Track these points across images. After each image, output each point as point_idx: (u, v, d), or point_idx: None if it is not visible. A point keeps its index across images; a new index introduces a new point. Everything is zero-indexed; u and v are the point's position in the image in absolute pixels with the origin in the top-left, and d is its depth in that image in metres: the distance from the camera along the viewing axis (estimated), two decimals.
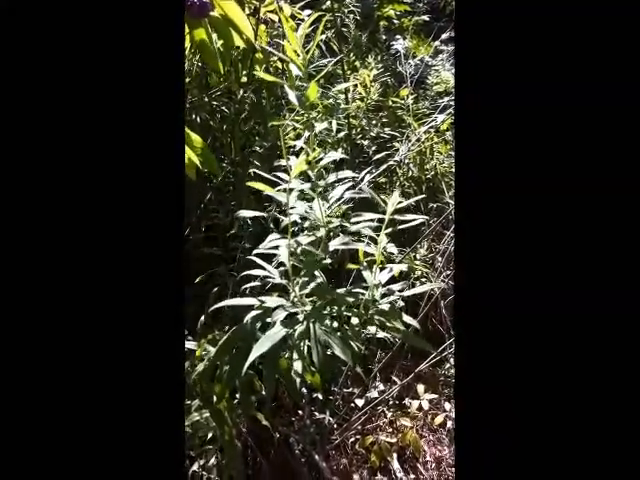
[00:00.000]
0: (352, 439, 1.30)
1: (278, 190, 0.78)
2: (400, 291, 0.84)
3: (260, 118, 1.38)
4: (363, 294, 0.82)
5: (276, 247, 0.79)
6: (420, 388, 1.38)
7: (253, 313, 0.73)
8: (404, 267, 0.88)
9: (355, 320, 0.77)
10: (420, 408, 1.36)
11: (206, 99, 1.30)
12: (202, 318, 0.95)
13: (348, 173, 0.91)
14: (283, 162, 0.72)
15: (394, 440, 1.27)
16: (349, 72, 1.78)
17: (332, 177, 0.88)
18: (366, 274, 0.84)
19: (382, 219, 0.82)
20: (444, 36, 2.58)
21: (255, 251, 0.82)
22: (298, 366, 0.68)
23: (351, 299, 0.80)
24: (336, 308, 0.79)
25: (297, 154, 0.89)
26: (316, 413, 1.28)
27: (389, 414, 1.35)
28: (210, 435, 0.89)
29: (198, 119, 1.27)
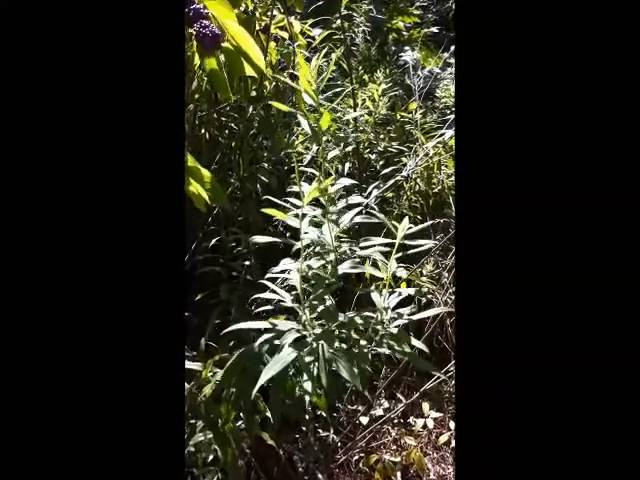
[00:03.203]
0: (356, 457, 1.29)
1: (290, 215, 0.79)
2: (410, 314, 0.84)
3: (269, 133, 1.39)
4: (372, 317, 0.82)
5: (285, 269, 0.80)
6: (425, 406, 1.37)
7: (265, 337, 0.74)
8: (412, 291, 0.88)
9: (364, 342, 0.78)
10: (425, 426, 1.35)
11: (215, 115, 1.30)
12: (204, 337, 0.95)
13: (358, 199, 0.91)
14: (295, 188, 0.73)
15: (398, 459, 1.26)
16: (357, 86, 1.79)
17: (342, 203, 0.88)
18: (375, 297, 0.84)
19: (392, 242, 0.82)
20: (453, 47, 2.58)
21: (267, 275, 0.82)
22: (308, 386, 0.68)
23: (360, 321, 0.81)
24: (345, 331, 0.79)
25: (309, 179, 0.90)
26: (320, 431, 1.27)
27: (393, 432, 1.34)
28: (213, 455, 0.89)
29: (207, 135, 1.28)
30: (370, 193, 1.63)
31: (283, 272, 0.81)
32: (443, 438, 1.34)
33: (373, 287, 0.88)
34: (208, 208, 1.36)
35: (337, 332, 0.77)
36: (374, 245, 0.85)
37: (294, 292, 0.79)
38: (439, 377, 1.28)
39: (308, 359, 0.71)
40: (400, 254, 0.83)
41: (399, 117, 1.78)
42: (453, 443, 1.35)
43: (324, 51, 0.78)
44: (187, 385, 0.82)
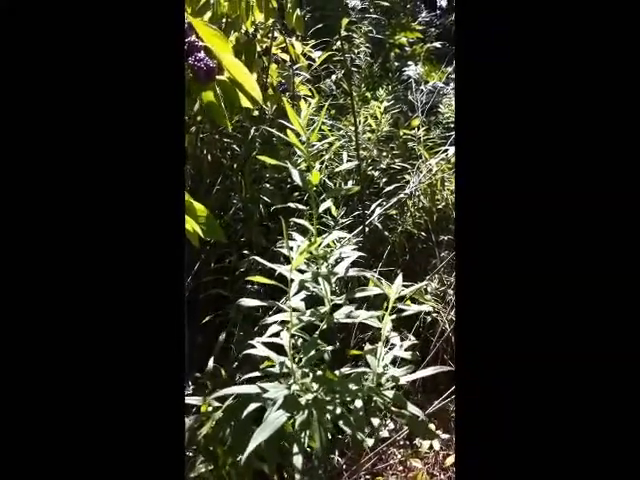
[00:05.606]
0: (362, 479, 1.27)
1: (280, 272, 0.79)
2: (409, 372, 0.82)
3: (271, 153, 1.39)
4: (367, 377, 0.81)
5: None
6: (431, 427, 1.35)
7: (253, 406, 0.72)
8: (408, 355, 0.84)
9: (359, 403, 0.76)
10: (431, 447, 1.33)
11: (217, 136, 1.31)
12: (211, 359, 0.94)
13: (349, 252, 0.89)
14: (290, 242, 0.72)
15: None
16: (360, 103, 1.79)
17: (336, 253, 0.86)
18: (370, 360, 0.82)
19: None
20: None
21: (258, 339, 0.80)
22: (298, 462, 0.67)
23: (355, 387, 0.79)
24: (338, 396, 0.77)
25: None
26: None
27: (399, 454, 1.32)
28: None
29: (209, 156, 1.29)
30: (373, 211, 1.63)
31: (273, 335, 0.79)
32: (450, 459, 1.31)
33: (367, 347, 0.87)
34: None
35: (330, 397, 0.76)
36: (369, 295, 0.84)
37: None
38: (446, 398, 1.27)
39: (299, 427, 0.70)
40: (393, 317, 0.82)
41: (402, 134, 1.78)
42: None
43: (314, 101, 0.78)
44: (187, 419, 0.81)
